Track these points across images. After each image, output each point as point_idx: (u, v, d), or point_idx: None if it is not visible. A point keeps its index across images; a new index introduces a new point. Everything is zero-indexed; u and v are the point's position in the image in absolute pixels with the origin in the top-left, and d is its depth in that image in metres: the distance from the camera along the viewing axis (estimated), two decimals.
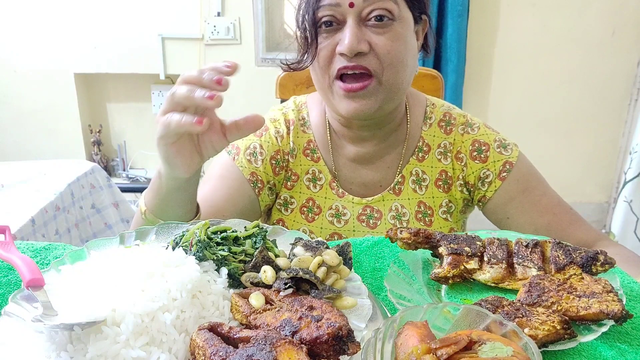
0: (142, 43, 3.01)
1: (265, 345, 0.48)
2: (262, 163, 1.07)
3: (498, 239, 0.75)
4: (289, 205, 1.11)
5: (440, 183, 1.09)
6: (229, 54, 2.98)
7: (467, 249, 0.73)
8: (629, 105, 2.94)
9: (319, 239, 0.72)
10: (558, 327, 0.56)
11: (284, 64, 1.05)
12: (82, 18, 2.99)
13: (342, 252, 0.69)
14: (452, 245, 0.74)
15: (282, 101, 1.39)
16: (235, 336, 0.52)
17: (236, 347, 0.50)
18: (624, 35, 2.82)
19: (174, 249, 0.67)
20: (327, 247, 0.68)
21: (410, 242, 0.76)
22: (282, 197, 1.11)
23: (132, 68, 3.07)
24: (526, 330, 0.55)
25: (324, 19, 0.93)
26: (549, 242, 0.73)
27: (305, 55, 0.97)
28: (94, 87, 3.26)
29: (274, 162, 1.09)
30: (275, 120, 1.12)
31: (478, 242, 0.75)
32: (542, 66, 2.92)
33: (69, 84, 3.13)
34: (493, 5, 2.84)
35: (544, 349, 0.56)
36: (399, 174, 1.09)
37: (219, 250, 0.67)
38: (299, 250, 0.67)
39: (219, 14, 2.92)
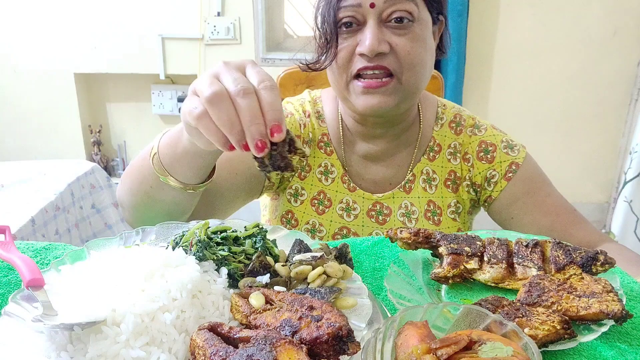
0: (142, 43, 3.01)
1: (265, 345, 0.48)
2: None
3: (498, 239, 0.75)
4: (299, 197, 1.10)
5: (449, 183, 1.09)
6: (229, 54, 2.97)
7: (467, 249, 0.73)
8: (629, 105, 2.94)
9: (320, 247, 0.71)
10: (558, 327, 0.56)
11: (302, 64, 1.04)
12: (82, 18, 2.99)
13: (341, 254, 0.69)
14: (452, 245, 0.74)
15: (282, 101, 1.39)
16: (235, 336, 0.52)
17: (236, 347, 0.50)
18: (625, 35, 2.82)
19: (174, 249, 0.67)
20: (330, 260, 0.66)
21: (410, 242, 0.76)
22: (293, 187, 1.10)
23: (132, 68, 3.07)
24: (526, 330, 0.55)
25: (344, 20, 0.93)
26: (549, 242, 0.73)
27: (325, 56, 0.96)
28: (94, 87, 3.25)
29: None
30: (297, 111, 1.11)
31: (478, 242, 0.75)
32: (542, 66, 2.92)
33: (69, 84, 3.13)
34: (493, 5, 2.84)
35: (544, 349, 0.56)
36: (409, 173, 1.09)
37: (219, 250, 0.67)
38: (299, 257, 0.67)
39: (219, 14, 2.91)
